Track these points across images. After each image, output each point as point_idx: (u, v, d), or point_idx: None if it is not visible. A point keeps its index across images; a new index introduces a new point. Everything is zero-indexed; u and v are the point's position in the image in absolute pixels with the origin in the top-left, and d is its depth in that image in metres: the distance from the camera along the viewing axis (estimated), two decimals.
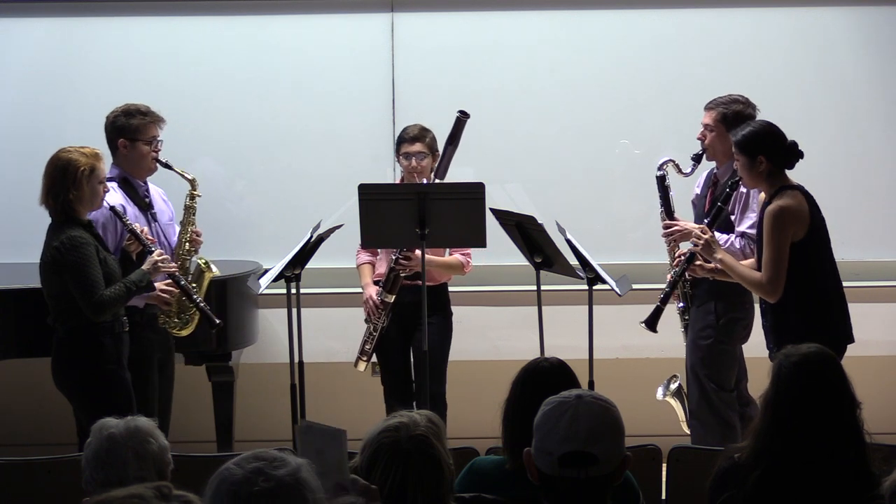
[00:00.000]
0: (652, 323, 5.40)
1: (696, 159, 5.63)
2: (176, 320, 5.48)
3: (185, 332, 5.52)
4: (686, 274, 5.43)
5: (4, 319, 5.80)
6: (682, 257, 5.43)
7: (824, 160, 6.81)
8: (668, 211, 5.68)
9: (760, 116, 5.52)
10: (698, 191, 5.73)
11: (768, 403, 3.40)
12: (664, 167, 5.67)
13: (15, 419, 6.65)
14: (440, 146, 5.75)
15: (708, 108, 5.60)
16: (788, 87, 6.82)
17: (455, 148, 5.63)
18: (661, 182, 5.67)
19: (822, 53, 6.85)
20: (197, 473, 2.61)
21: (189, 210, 5.55)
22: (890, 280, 6.80)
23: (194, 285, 5.49)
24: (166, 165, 5.53)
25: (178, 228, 5.64)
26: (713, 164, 5.68)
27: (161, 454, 3.38)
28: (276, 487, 2.28)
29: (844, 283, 5.22)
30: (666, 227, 5.65)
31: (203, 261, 5.56)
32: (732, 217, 5.47)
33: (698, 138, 5.63)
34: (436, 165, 5.71)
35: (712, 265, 5.33)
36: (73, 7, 6.88)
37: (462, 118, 5.61)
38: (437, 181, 5.67)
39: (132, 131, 5.44)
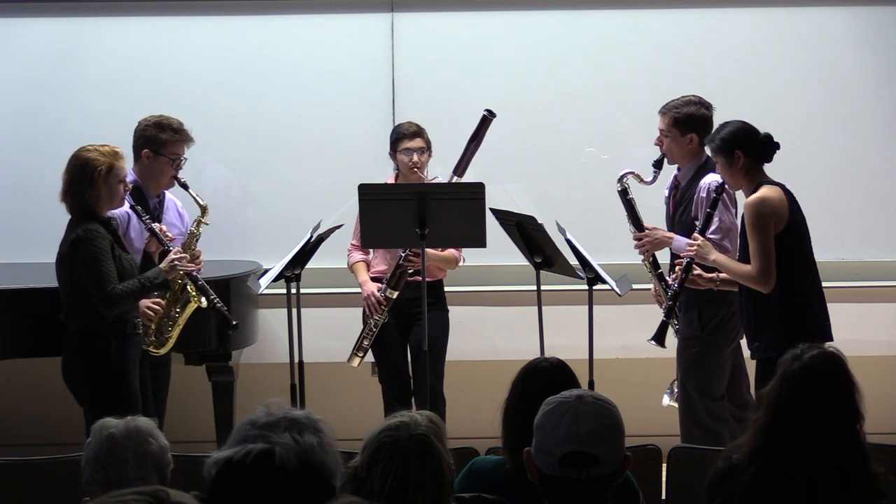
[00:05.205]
0: (660, 338, 5.39)
1: (657, 165, 5.64)
2: (153, 338, 5.43)
3: (160, 351, 5.46)
4: (685, 284, 5.37)
5: (4, 319, 5.79)
6: (679, 268, 5.39)
7: (824, 160, 6.81)
8: (635, 224, 5.66)
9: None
10: (666, 193, 5.72)
11: (771, 401, 3.22)
12: (624, 181, 5.67)
13: (15, 419, 6.64)
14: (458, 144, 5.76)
15: (661, 112, 5.59)
16: (789, 86, 6.82)
17: (478, 146, 5.66)
18: (624, 196, 5.67)
19: (822, 53, 6.84)
20: (197, 473, 2.61)
21: (192, 236, 5.52)
22: (890, 280, 6.79)
23: (178, 309, 5.46)
24: (184, 186, 5.50)
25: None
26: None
27: (161, 454, 3.37)
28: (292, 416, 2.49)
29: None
30: (636, 238, 5.64)
31: (194, 290, 5.46)
32: (697, 222, 5.39)
33: (655, 144, 5.63)
34: (456, 162, 5.72)
35: (713, 275, 5.32)
36: (73, 7, 6.87)
37: (488, 117, 5.63)
38: (455, 178, 5.69)
39: (159, 145, 5.44)
